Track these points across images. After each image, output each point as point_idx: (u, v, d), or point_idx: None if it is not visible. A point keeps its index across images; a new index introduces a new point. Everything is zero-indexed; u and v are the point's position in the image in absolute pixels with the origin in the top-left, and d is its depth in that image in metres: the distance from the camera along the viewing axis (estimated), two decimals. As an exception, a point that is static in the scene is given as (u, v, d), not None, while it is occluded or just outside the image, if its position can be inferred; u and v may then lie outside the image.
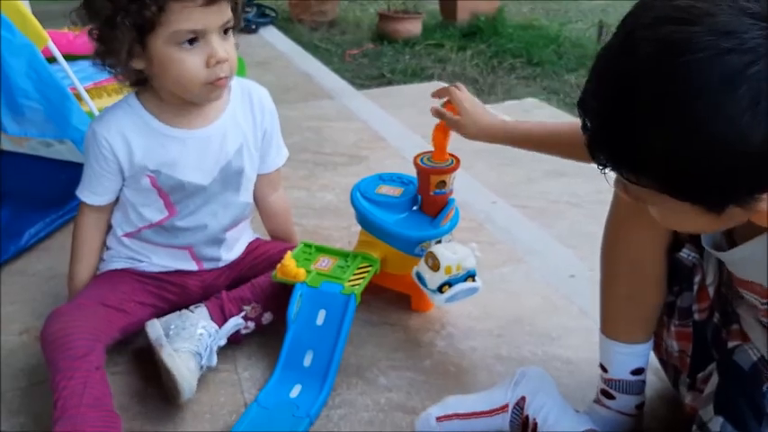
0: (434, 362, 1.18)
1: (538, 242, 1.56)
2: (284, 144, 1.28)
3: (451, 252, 1.12)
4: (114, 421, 0.97)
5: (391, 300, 1.32)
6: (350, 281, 1.17)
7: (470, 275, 1.14)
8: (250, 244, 1.31)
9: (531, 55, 3.36)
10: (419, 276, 1.15)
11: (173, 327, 1.11)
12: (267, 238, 1.36)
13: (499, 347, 1.21)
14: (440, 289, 1.13)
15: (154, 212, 1.16)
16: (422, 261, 1.14)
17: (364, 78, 3.10)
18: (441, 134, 1.21)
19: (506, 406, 0.98)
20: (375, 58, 3.48)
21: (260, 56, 3.24)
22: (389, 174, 1.35)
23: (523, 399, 0.97)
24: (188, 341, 1.09)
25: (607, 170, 0.63)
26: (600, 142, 0.62)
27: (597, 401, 1.00)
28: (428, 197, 1.25)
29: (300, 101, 2.54)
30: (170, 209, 1.16)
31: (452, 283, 1.12)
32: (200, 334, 1.11)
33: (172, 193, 1.15)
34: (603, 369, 0.99)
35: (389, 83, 3.01)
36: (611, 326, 0.97)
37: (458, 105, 1.15)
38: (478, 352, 1.20)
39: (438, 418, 0.98)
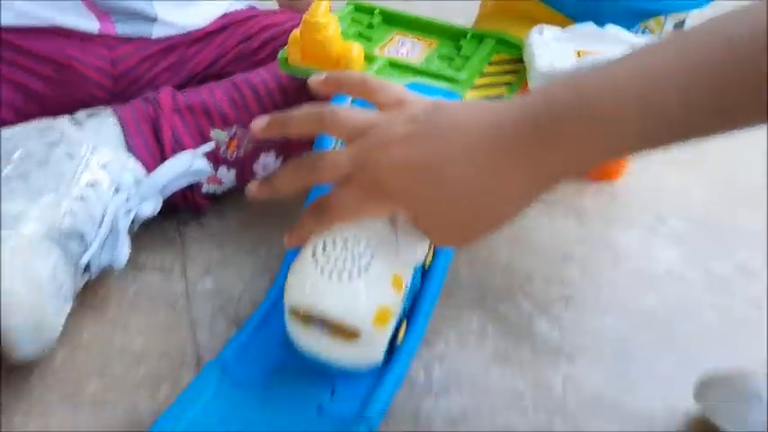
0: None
1: None
2: None
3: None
4: None
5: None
6: (477, 88, 0.48)
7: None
8: (233, 14, 0.60)
9: None
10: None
11: (17, 155, 0.43)
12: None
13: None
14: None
15: None
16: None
17: None
18: None
19: None
20: None
21: None
22: None
23: None
24: (48, 207, 0.41)
25: None
26: None
27: None
28: None
29: None
30: None
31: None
32: (90, 183, 0.43)
33: None
34: None
35: None
36: None
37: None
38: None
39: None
